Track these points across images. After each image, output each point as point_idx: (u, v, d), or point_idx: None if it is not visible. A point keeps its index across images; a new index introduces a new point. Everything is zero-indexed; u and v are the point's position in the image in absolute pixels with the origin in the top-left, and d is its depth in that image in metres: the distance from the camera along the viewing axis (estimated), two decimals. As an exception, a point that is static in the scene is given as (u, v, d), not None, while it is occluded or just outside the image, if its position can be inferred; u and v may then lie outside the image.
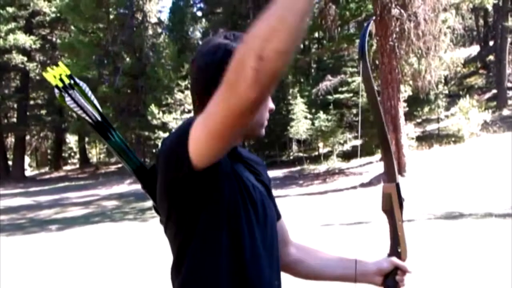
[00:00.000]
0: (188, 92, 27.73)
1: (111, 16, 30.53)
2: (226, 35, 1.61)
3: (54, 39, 38.02)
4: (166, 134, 27.16)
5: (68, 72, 1.70)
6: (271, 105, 1.64)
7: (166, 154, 1.44)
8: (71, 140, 49.28)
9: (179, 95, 27.36)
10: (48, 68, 1.70)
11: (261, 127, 1.61)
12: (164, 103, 26.85)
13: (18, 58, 33.68)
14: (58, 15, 35.01)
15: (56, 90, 1.71)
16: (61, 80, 1.71)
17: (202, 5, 41.03)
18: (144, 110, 26.71)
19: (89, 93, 1.72)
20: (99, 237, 11.61)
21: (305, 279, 1.87)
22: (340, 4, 20.47)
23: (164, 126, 25.95)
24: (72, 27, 31.98)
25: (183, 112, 27.34)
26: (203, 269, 1.48)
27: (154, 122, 25.84)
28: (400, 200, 1.80)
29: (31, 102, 39.88)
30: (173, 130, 1.48)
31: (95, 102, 1.72)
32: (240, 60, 1.09)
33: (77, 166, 43.73)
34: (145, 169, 1.71)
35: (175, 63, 27.95)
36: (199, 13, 41.18)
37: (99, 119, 1.70)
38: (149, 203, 1.72)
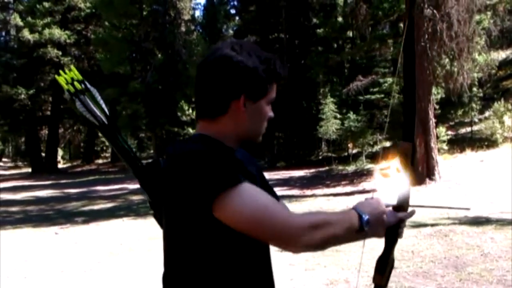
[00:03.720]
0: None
1: (144, 13, 30.80)
2: (234, 46, 1.65)
3: (88, 34, 38.57)
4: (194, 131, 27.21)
5: (80, 78, 1.75)
6: (270, 113, 1.71)
7: (186, 188, 1.51)
8: (104, 134, 49.96)
9: (210, 92, 27.46)
10: (61, 71, 1.76)
11: (259, 135, 1.72)
12: (193, 99, 26.95)
13: (53, 52, 34.29)
14: (93, 10, 35.48)
15: (67, 94, 1.76)
16: (72, 85, 1.77)
17: (235, 2, 41.15)
18: (174, 107, 26.91)
19: (99, 98, 1.78)
20: (122, 231, 11.70)
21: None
22: (373, 4, 20.23)
23: (193, 123, 26.08)
24: (106, 23, 32.38)
25: (212, 109, 27.43)
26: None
27: (184, 118, 26.04)
28: (413, 160, 1.84)
29: (65, 96, 40.46)
30: (190, 159, 1.53)
31: (103, 106, 1.76)
32: (294, 232, 1.49)
33: (109, 160, 44.30)
34: (144, 169, 1.91)
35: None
36: (233, 11, 41.33)
37: (106, 122, 1.75)
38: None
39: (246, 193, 1.48)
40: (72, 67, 1.82)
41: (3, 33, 39.47)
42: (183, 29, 33.00)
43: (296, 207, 12.94)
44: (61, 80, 1.79)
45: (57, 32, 34.19)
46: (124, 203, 17.78)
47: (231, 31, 39.94)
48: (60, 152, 48.04)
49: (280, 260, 6.64)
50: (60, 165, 43.00)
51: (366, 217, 1.60)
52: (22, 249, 9.74)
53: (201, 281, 1.57)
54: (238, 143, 1.69)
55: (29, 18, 34.71)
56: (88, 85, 1.80)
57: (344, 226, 1.56)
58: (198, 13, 47.83)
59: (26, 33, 33.52)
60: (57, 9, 35.73)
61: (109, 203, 17.78)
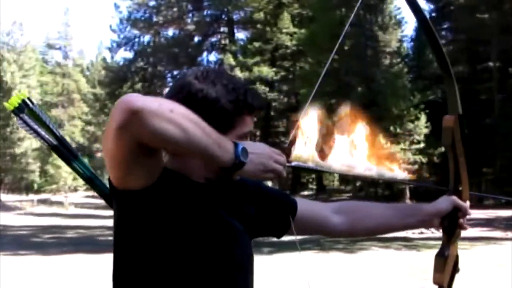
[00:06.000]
0: (418, 123, 26.87)
1: (346, 47, 31.12)
2: (197, 74, 1.55)
3: (297, 70, 40.04)
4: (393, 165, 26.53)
5: (21, 97, 1.74)
6: None
7: None
8: (310, 166, 51.19)
9: (409, 125, 26.60)
10: (14, 94, 1.77)
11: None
12: (392, 133, 26.36)
13: (261, 89, 36.26)
14: (300, 47, 36.87)
15: (17, 119, 1.76)
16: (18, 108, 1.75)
17: (444, 32, 39.74)
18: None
19: (44, 117, 1.72)
20: (304, 264, 11.74)
21: (367, 236, 2.03)
22: None
23: (391, 157, 25.44)
24: (309, 59, 33.39)
25: (412, 142, 26.48)
26: None
27: (382, 152, 25.56)
28: (463, 134, 1.69)
29: (273, 130, 42.40)
30: None
31: (51, 126, 1.72)
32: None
33: (314, 191, 45.13)
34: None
35: (407, 92, 27.32)
36: (442, 41, 39.85)
37: (55, 143, 1.71)
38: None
39: None
40: (22, 90, 1.80)
41: (219, 73, 42.92)
42: (387, 61, 32.60)
43: (494, 250, 11.88)
44: (8, 102, 1.77)
45: (265, 70, 36.18)
46: (313, 236, 17.88)
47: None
48: (269, 183, 50.20)
49: None
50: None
51: (241, 146, 1.40)
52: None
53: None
54: (212, 176, 1.53)
55: (241, 58, 37.31)
56: (30, 103, 1.75)
57: (213, 138, 1.34)
58: (405, 45, 47.02)
59: (237, 72, 36.02)
60: (266, 48, 37.86)
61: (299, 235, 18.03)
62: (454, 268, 1.69)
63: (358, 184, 32.29)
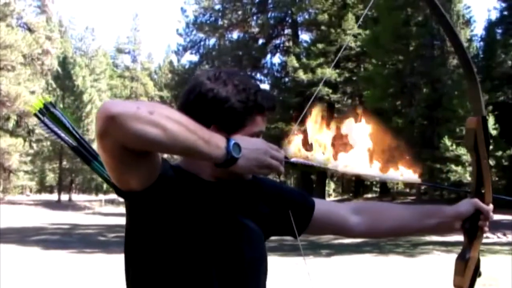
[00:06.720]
0: (485, 124, 25.93)
1: (411, 48, 30.49)
2: (209, 75, 1.60)
3: (361, 71, 39.54)
4: (459, 168, 25.96)
5: (43, 101, 1.82)
6: None
7: None
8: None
9: (476, 127, 25.72)
10: (40, 97, 1.86)
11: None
12: (459, 135, 25.59)
13: (324, 90, 36.00)
14: (364, 49, 36.36)
15: (39, 122, 1.85)
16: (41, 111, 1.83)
17: (516, 31, 38.20)
18: (437, 142, 25.85)
19: (65, 121, 1.80)
20: (361, 267, 11.65)
21: (386, 237, 1.91)
22: None
23: (457, 159, 24.68)
24: (373, 60, 32.88)
25: (479, 145, 25.56)
26: None
27: (447, 154, 24.80)
28: (486, 136, 1.69)
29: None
30: None
31: (71, 128, 1.80)
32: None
33: (377, 194, 44.43)
34: None
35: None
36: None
37: (74, 144, 1.79)
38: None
39: None
40: (46, 96, 1.88)
41: (283, 74, 42.94)
42: (454, 61, 31.66)
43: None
44: (32, 106, 1.85)
45: (328, 71, 35.90)
46: (373, 239, 17.61)
47: (510, 62, 36.96)
48: (332, 186, 49.87)
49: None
50: (331, 198, 44.59)
51: (233, 142, 1.40)
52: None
53: None
54: (224, 175, 1.55)
55: (305, 60, 37.19)
56: (50, 107, 1.81)
57: (200, 135, 1.33)
58: (474, 44, 45.56)
59: (300, 73, 35.92)
60: (330, 50, 37.53)
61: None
62: (475, 272, 1.67)
63: (423, 187, 31.44)
